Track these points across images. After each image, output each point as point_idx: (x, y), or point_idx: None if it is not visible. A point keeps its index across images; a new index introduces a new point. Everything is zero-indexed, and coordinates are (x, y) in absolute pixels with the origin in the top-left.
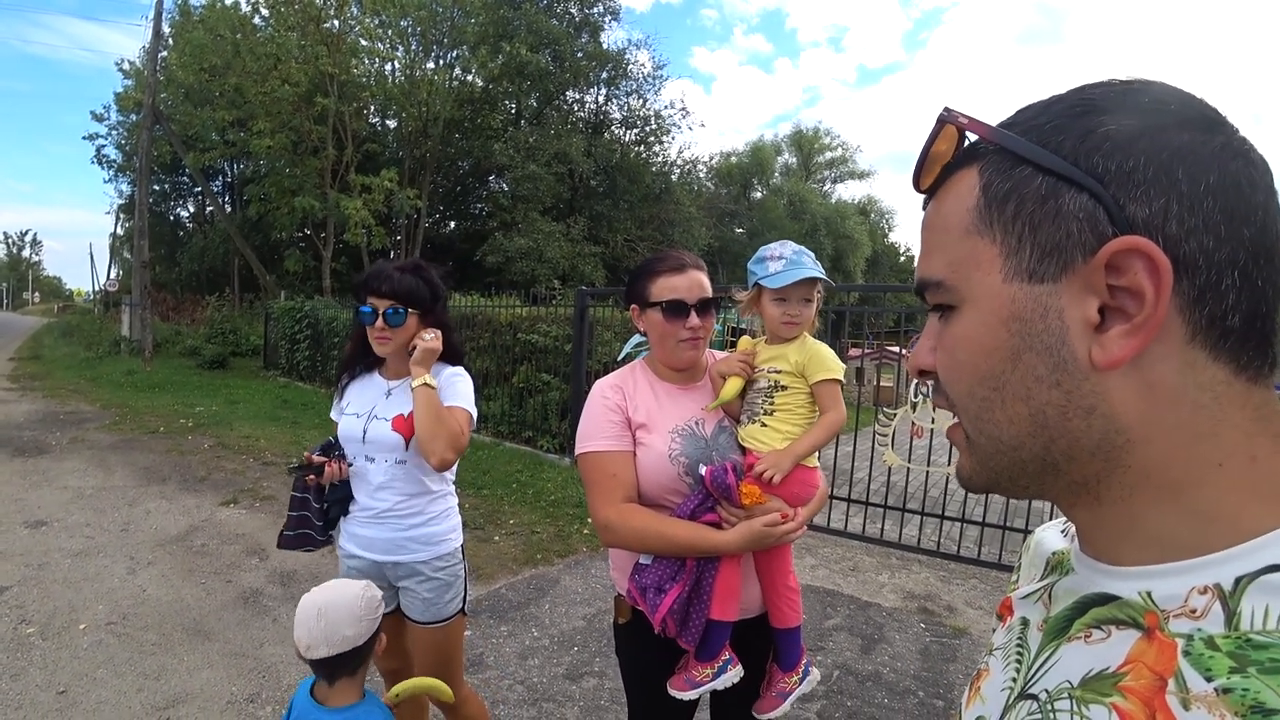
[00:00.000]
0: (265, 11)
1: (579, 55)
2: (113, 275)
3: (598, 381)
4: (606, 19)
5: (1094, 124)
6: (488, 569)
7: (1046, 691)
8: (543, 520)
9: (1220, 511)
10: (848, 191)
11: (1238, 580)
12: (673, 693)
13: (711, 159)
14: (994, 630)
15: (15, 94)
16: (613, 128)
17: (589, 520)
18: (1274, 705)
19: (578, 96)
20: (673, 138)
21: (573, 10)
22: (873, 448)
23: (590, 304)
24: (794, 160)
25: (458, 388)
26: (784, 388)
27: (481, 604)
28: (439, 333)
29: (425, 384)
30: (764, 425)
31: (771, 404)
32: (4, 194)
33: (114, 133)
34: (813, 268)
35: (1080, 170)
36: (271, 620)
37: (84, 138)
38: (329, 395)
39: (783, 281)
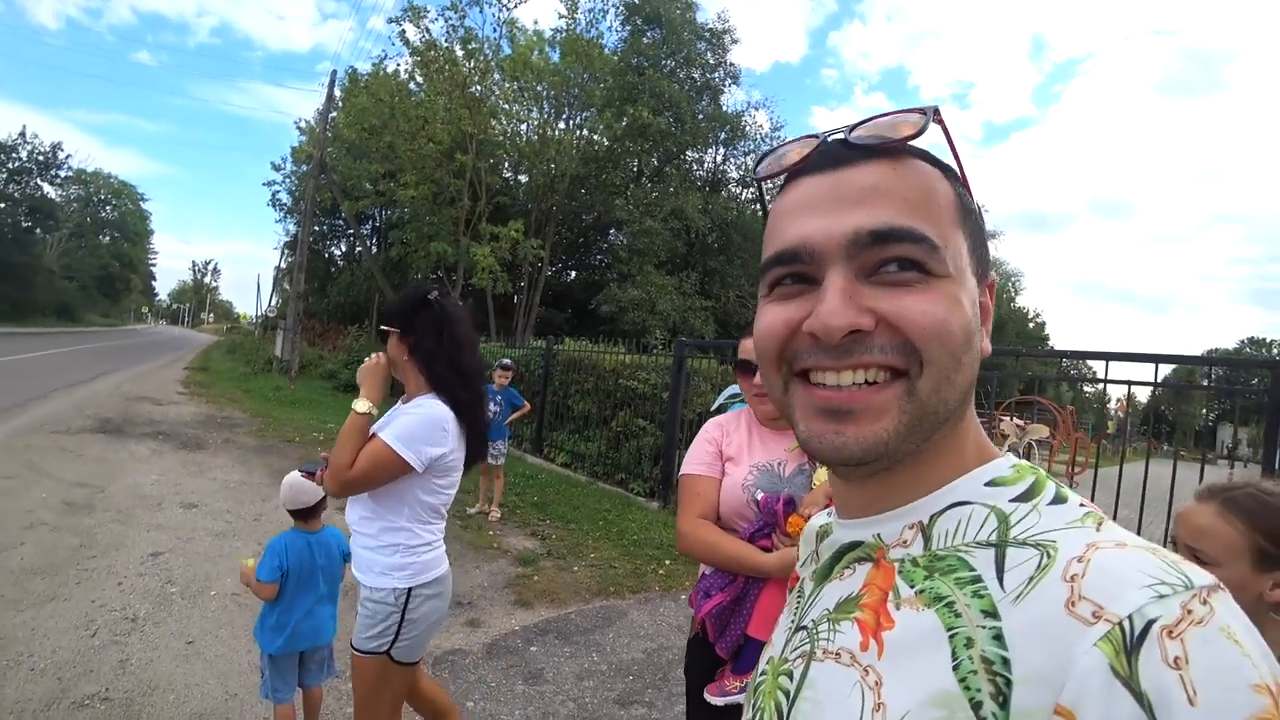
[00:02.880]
0: (419, 78)
1: (699, 117)
2: (273, 302)
3: (708, 420)
4: (726, 83)
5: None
6: (562, 594)
7: (812, 620)
8: (622, 557)
9: (936, 465)
10: None
11: (932, 516)
12: (706, 697)
13: None
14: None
15: (213, 145)
16: (730, 186)
17: (666, 561)
18: (944, 594)
19: (697, 156)
20: None
21: (694, 75)
22: None
23: (688, 355)
24: None
25: (396, 419)
26: None
27: (550, 625)
28: (380, 356)
29: (354, 409)
30: (818, 472)
31: None
32: (197, 228)
33: (287, 180)
34: None
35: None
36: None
37: (264, 184)
38: None
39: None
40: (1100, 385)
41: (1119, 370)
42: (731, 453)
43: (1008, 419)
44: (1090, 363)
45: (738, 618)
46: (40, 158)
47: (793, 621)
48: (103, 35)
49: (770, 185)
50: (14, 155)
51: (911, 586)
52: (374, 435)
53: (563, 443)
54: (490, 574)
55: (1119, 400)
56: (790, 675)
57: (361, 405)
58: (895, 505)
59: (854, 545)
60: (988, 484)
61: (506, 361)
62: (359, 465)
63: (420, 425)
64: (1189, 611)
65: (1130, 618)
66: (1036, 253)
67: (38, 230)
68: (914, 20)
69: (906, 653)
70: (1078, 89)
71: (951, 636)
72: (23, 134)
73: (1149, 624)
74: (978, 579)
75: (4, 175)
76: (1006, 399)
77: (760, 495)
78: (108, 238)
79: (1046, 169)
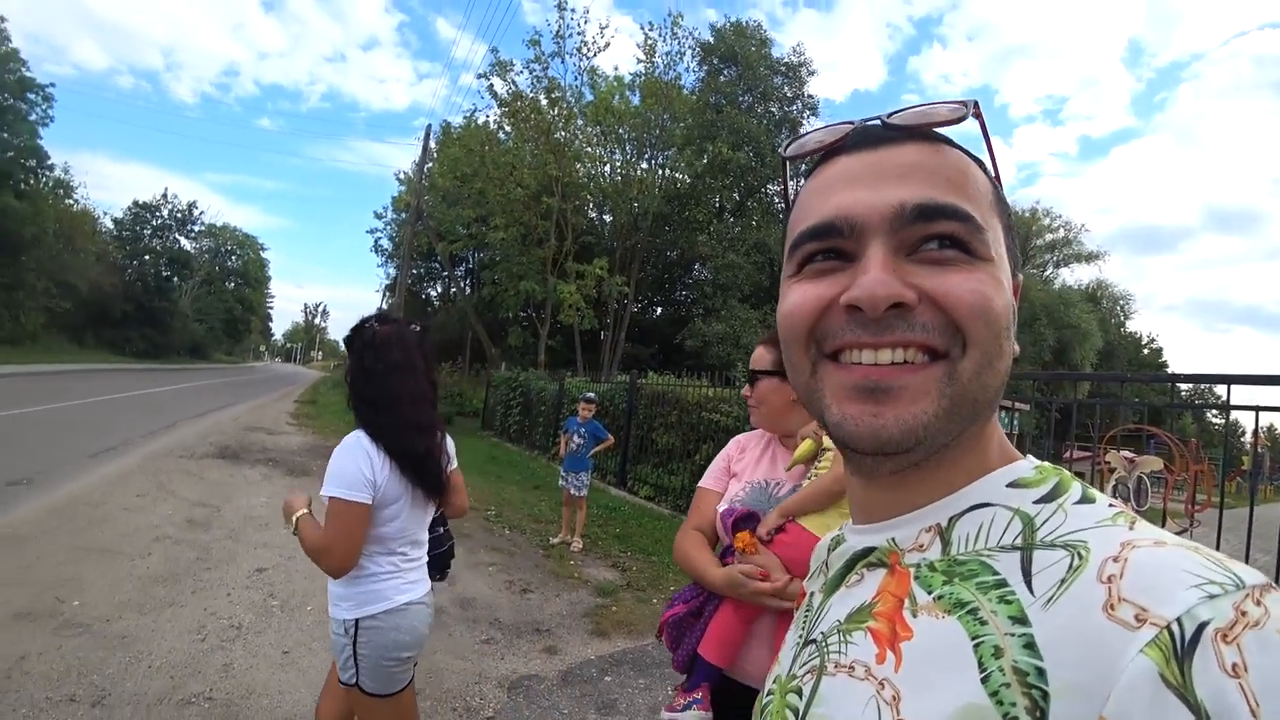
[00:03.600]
0: (507, 127)
1: (778, 150)
2: None
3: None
4: (805, 115)
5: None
6: (640, 625)
7: (822, 633)
8: None
9: (954, 468)
10: (1073, 276)
11: (950, 519)
12: (662, 714)
13: None
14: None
15: (323, 199)
16: None
17: None
18: (967, 599)
19: (778, 189)
20: None
21: (772, 109)
22: None
23: None
24: None
25: (330, 468)
26: (826, 450)
27: (626, 656)
28: (299, 496)
29: (297, 522)
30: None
31: (815, 469)
32: (309, 274)
33: (388, 227)
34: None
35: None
36: (447, 634)
37: (367, 231)
38: (532, 456)
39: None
40: (1225, 414)
41: (1243, 396)
42: (738, 469)
43: (1114, 452)
44: (1218, 390)
45: (693, 632)
46: (178, 215)
47: (800, 636)
48: (231, 106)
49: (795, 171)
50: (157, 214)
51: (929, 592)
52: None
53: (646, 476)
54: (570, 603)
55: (1257, 433)
56: (799, 692)
57: (298, 512)
58: (913, 508)
59: (866, 551)
60: (1010, 485)
61: (590, 395)
62: (329, 537)
63: (342, 462)
64: (1243, 613)
65: (1179, 620)
66: (1147, 273)
67: (175, 279)
68: (997, 37)
69: (927, 664)
70: (1184, 95)
71: (977, 645)
72: (164, 195)
73: (1200, 627)
74: (1003, 583)
75: (149, 231)
76: (1114, 429)
77: (721, 508)
78: (233, 284)
79: (1154, 182)
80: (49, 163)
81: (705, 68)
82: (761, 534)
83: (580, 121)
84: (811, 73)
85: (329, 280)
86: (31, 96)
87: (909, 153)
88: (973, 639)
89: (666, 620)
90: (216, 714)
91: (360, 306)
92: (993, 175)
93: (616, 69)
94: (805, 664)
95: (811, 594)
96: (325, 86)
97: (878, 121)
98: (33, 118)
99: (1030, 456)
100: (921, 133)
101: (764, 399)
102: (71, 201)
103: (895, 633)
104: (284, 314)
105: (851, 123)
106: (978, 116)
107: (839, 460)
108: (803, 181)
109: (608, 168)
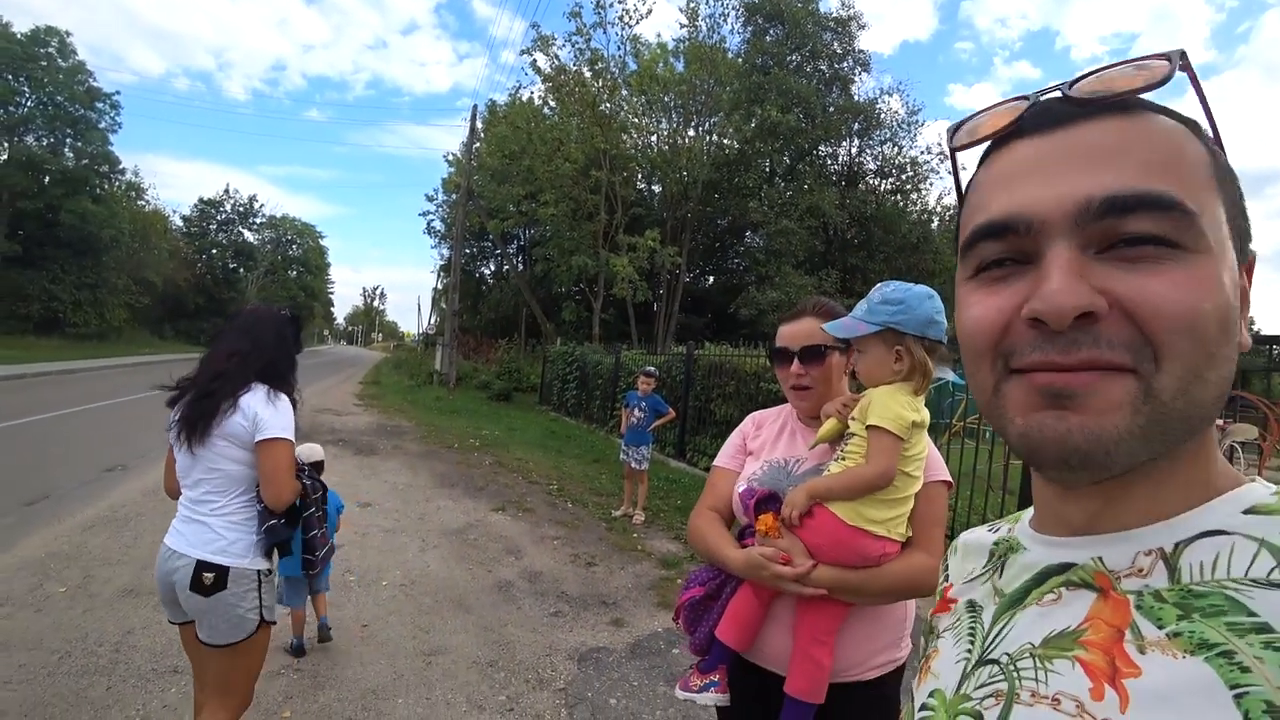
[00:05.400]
0: (553, 103)
1: (829, 110)
2: (432, 321)
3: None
4: (856, 71)
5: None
6: None
7: (1007, 655)
8: None
9: (1171, 485)
10: None
11: (1177, 545)
12: (676, 692)
13: None
14: (930, 620)
15: (373, 185)
16: (867, 178)
17: None
18: (1215, 640)
19: (830, 150)
20: (930, 184)
21: (822, 67)
22: None
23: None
24: None
25: (277, 418)
26: (852, 435)
27: (674, 631)
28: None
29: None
30: (828, 472)
31: (843, 451)
32: (364, 258)
33: (440, 209)
34: (845, 326)
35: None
36: (516, 607)
37: (419, 214)
38: (591, 430)
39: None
40: None
41: None
42: (754, 447)
43: None
44: None
45: (710, 614)
46: (241, 209)
47: (969, 652)
48: (280, 100)
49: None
50: (221, 209)
51: (1160, 627)
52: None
53: (705, 447)
54: (635, 575)
55: None
56: (979, 717)
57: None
58: (1123, 525)
59: (1063, 568)
60: (1247, 512)
61: (650, 369)
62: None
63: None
64: None
65: None
66: None
67: (240, 270)
68: None
69: (1166, 708)
70: (1271, 23)
71: (1239, 697)
72: (226, 190)
73: None
74: (1265, 626)
75: (214, 226)
76: None
77: (740, 488)
78: (295, 272)
79: (1237, 123)
80: (120, 167)
81: (750, 28)
82: (789, 517)
83: (625, 92)
84: (862, 26)
85: (384, 262)
86: (100, 106)
87: (1098, 131)
88: (1231, 688)
89: (684, 602)
90: (305, 685)
91: (416, 287)
92: (1211, 138)
93: (659, 36)
94: (984, 686)
95: (972, 602)
96: (368, 74)
97: (1059, 93)
98: (102, 125)
99: (1260, 479)
100: (1114, 104)
101: (826, 379)
102: (143, 203)
103: (1115, 668)
104: (343, 299)
105: (1026, 97)
106: (1186, 70)
107: (889, 453)
108: (973, 168)
109: (655, 137)
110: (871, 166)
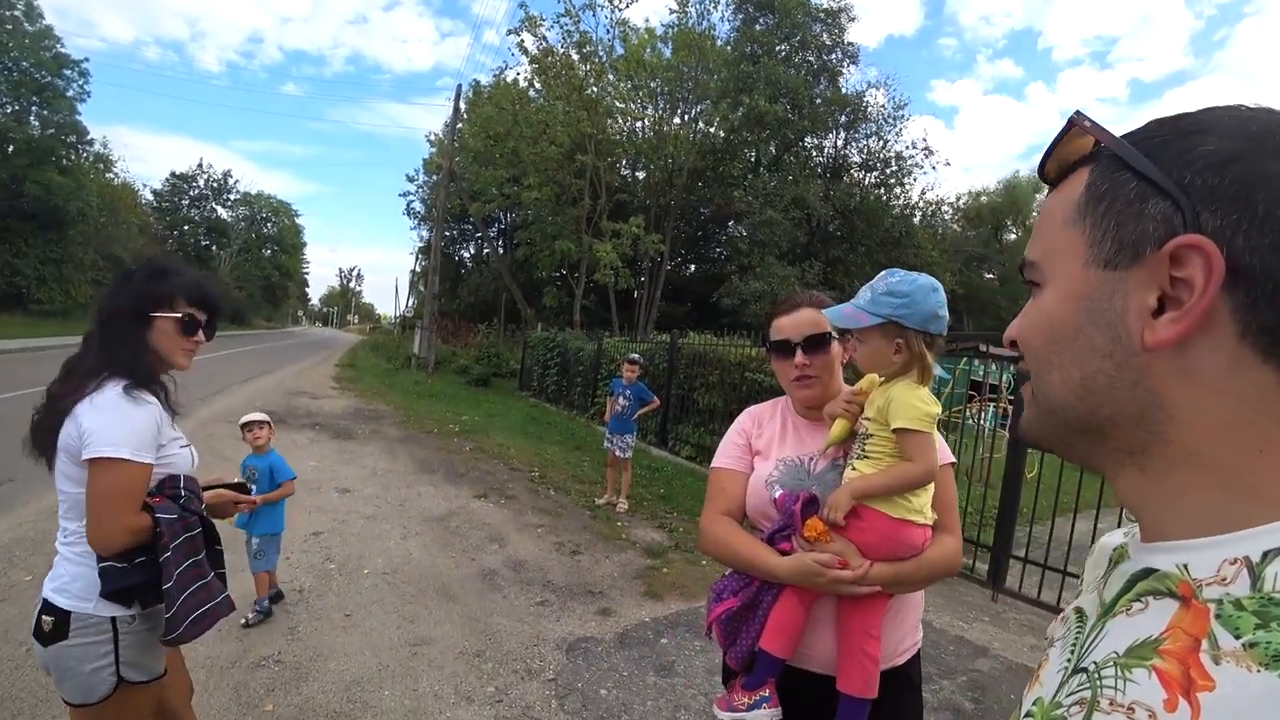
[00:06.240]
0: (538, 85)
1: (817, 102)
2: (410, 303)
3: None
4: (845, 63)
5: (1196, 143)
6: (692, 587)
7: (1095, 663)
8: None
9: (1257, 492)
10: None
11: (1265, 554)
12: (715, 712)
13: (959, 199)
14: (1049, 629)
15: (349, 162)
16: (852, 171)
17: None
18: None
19: (816, 142)
20: (914, 179)
21: (810, 59)
22: None
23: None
24: None
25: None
26: (870, 434)
27: (681, 618)
28: None
29: None
30: (854, 469)
31: (863, 449)
32: (341, 238)
33: (420, 190)
34: (847, 315)
35: (1170, 181)
36: (502, 596)
37: (399, 195)
38: (571, 417)
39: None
40: None
41: None
42: (760, 445)
43: None
44: None
45: (749, 626)
46: (214, 185)
47: (1069, 661)
48: (256, 73)
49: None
50: (194, 184)
51: (1237, 637)
52: None
53: (688, 435)
54: (620, 564)
55: None
56: None
57: None
58: (1212, 526)
59: (1147, 573)
60: None
61: (634, 357)
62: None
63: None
64: None
65: None
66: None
67: (213, 247)
68: None
69: None
70: (1248, 31)
71: None
72: (200, 165)
73: None
74: None
75: (187, 202)
76: None
77: (779, 493)
78: (269, 251)
79: None
80: (88, 138)
81: (740, 16)
82: (835, 519)
83: (612, 76)
84: (852, 19)
85: (363, 244)
86: (68, 73)
87: (1041, 208)
88: None
89: (717, 616)
90: (287, 677)
91: (394, 269)
92: (1114, 150)
93: (648, 21)
94: (1073, 694)
95: (1080, 610)
96: (348, 50)
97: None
98: (70, 93)
99: None
100: (1054, 184)
101: (829, 367)
102: (112, 175)
103: (1190, 679)
104: (319, 279)
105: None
106: (1081, 127)
107: (928, 450)
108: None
109: (641, 124)
110: (856, 159)
